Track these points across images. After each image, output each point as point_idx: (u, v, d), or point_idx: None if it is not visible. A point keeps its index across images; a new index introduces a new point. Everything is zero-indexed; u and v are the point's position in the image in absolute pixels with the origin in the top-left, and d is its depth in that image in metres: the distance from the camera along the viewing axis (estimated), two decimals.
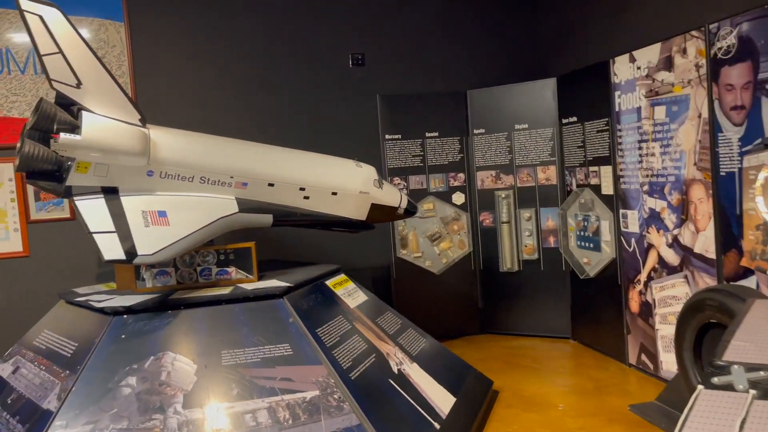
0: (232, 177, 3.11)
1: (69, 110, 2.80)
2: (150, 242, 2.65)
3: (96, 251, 4.51)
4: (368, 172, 3.82)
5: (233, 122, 4.75)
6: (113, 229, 2.62)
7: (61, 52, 2.65)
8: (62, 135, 2.64)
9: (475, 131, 5.17)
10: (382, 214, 3.93)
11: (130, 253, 2.62)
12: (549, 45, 5.40)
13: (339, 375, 2.85)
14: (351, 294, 3.63)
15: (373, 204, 3.84)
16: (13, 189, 4.47)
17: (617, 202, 4.22)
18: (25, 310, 4.45)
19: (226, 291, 3.14)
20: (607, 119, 4.24)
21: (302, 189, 3.51)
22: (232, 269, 3.33)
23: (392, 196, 3.97)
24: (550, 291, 5.02)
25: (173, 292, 3.16)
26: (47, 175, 2.69)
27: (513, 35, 5.54)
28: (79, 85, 2.70)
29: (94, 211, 2.64)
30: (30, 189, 4.49)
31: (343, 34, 5.14)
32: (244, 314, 3.01)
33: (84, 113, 2.72)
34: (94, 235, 2.60)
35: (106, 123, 2.74)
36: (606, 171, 4.31)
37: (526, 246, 5.07)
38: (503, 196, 5.09)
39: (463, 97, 5.17)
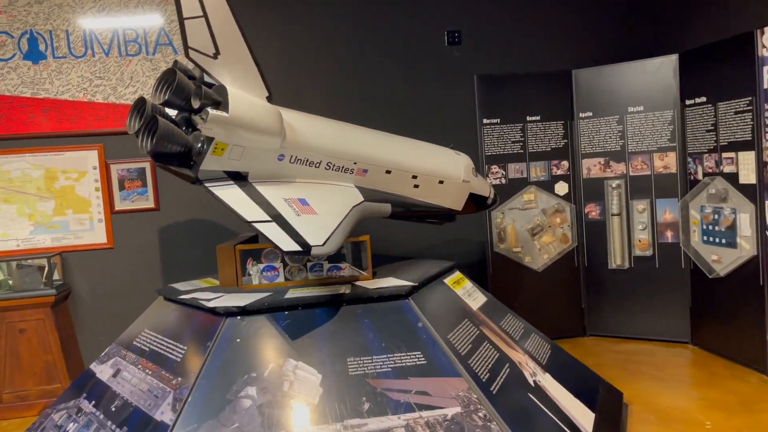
0: (355, 163, 2.77)
1: None
2: (313, 232, 2.30)
3: (181, 243, 4.40)
4: (466, 160, 3.58)
5: (321, 103, 4.40)
6: (268, 218, 2.26)
7: (205, 15, 2.30)
8: (211, 111, 2.31)
9: (582, 115, 4.71)
10: (472, 205, 3.67)
11: (305, 244, 2.26)
12: (669, 17, 4.86)
13: (480, 389, 2.49)
14: (471, 294, 3.26)
15: (470, 194, 3.58)
16: (98, 178, 4.26)
17: (761, 192, 3.72)
18: (111, 304, 4.27)
19: (344, 290, 2.81)
20: (750, 98, 3.73)
21: (414, 177, 3.20)
22: (345, 265, 3.00)
23: (484, 185, 3.74)
24: (666, 290, 4.54)
25: (285, 291, 2.85)
26: (175, 157, 2.37)
27: (625, 8, 5.02)
28: (216, 55, 2.35)
29: (237, 199, 2.30)
30: (114, 178, 4.27)
31: (439, 11, 4.74)
32: (367, 316, 2.68)
33: (228, 87, 2.39)
34: (255, 225, 2.24)
35: (248, 99, 2.42)
36: (746, 157, 3.81)
37: (639, 241, 4.60)
38: (614, 185, 4.63)
39: (567, 77, 4.72)
